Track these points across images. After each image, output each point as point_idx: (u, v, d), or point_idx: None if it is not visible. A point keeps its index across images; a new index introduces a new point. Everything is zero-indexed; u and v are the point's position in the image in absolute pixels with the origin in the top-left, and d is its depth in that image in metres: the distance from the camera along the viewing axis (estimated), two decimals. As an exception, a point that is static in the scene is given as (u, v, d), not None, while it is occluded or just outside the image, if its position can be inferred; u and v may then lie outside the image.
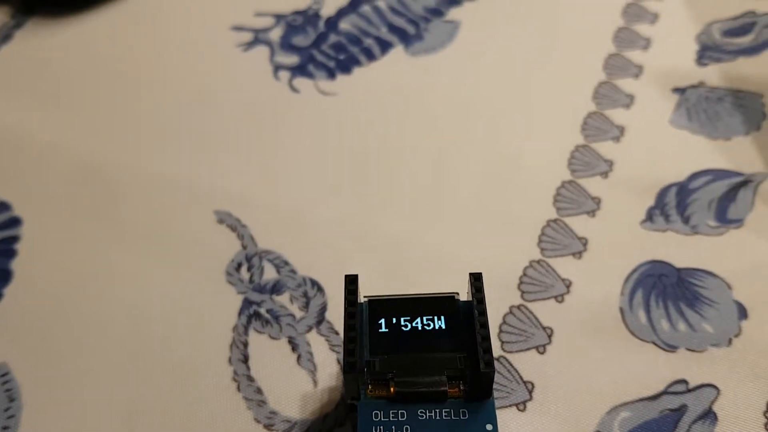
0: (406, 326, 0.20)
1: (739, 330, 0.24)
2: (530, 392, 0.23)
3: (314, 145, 0.31)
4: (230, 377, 0.24)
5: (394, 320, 0.20)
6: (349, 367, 0.19)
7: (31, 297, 0.27)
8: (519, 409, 0.23)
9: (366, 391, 0.19)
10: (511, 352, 0.24)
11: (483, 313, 0.19)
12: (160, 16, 0.37)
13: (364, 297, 0.21)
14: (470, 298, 0.21)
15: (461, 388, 0.19)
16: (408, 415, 0.19)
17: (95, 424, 0.23)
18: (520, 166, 0.29)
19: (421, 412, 0.19)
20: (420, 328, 0.20)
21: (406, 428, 0.19)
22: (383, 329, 0.20)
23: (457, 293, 0.21)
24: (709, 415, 0.23)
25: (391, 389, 0.19)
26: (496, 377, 0.23)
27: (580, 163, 0.29)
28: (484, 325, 0.19)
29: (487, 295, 0.20)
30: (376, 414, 0.19)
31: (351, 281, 0.20)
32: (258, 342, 0.25)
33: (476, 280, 0.20)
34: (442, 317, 0.20)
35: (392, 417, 0.19)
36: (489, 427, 0.19)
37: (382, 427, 0.19)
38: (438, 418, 0.19)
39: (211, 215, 0.28)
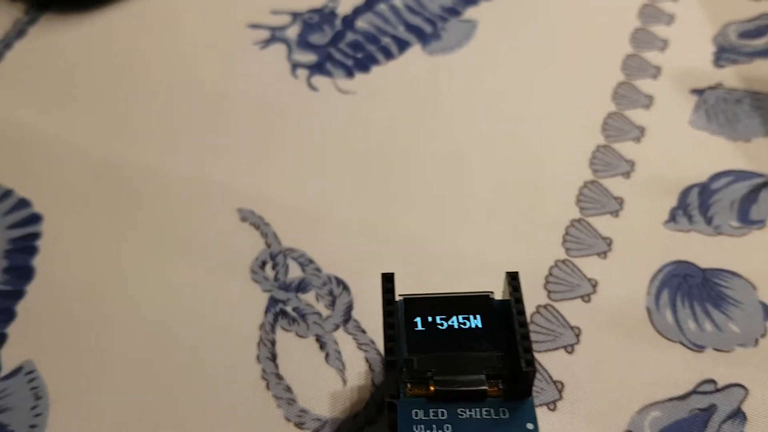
0: (442, 325, 0.20)
1: (765, 330, 0.25)
2: (560, 392, 0.23)
3: (334, 143, 0.31)
4: (259, 375, 0.24)
5: (430, 319, 0.20)
6: (390, 365, 0.19)
7: (54, 294, 0.26)
8: (549, 409, 0.23)
9: (405, 390, 0.19)
10: (539, 351, 0.24)
11: (521, 312, 0.19)
12: (176, 12, 0.36)
13: (399, 295, 0.21)
14: (504, 297, 0.21)
15: (500, 387, 0.19)
16: (448, 413, 0.19)
17: (122, 422, 0.23)
18: (542, 165, 0.29)
19: (461, 411, 0.19)
20: (456, 326, 0.20)
21: (447, 427, 0.19)
22: (420, 328, 0.20)
23: (492, 292, 0.21)
24: (738, 415, 0.23)
25: (431, 388, 0.19)
26: (526, 376, 0.23)
27: (601, 163, 0.29)
28: (524, 324, 0.19)
29: (513, 294, 0.20)
30: (416, 413, 0.19)
31: (388, 279, 0.20)
32: (285, 340, 0.25)
33: (513, 279, 0.20)
34: (478, 316, 0.20)
35: (432, 416, 0.19)
36: (530, 426, 0.19)
37: (422, 426, 0.19)
38: (479, 417, 0.19)
39: (234, 213, 0.28)
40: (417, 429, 0.19)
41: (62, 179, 0.30)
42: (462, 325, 0.20)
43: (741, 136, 0.30)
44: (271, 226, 0.28)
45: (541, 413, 0.23)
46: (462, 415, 0.19)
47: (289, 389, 0.24)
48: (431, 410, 0.19)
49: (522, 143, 0.30)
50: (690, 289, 0.26)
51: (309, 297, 0.26)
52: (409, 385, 0.19)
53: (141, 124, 0.32)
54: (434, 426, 0.19)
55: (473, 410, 0.19)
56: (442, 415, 0.19)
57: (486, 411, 0.19)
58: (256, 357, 0.25)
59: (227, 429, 0.23)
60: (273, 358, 0.25)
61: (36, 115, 0.32)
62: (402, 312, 0.20)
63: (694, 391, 0.23)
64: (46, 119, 0.32)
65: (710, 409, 0.23)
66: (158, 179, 0.29)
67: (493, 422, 0.19)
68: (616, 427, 0.23)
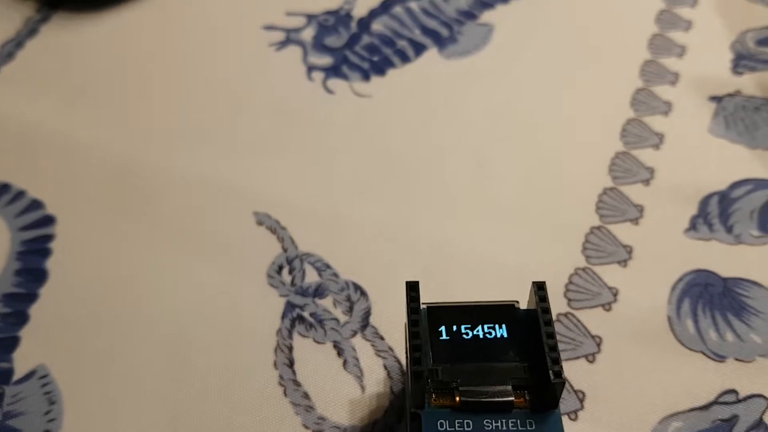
0: (467, 334, 0.20)
1: (787, 341, 0.24)
2: (581, 401, 0.23)
3: (351, 146, 0.30)
4: (276, 381, 0.24)
5: (455, 328, 0.20)
6: (416, 375, 0.18)
7: (68, 297, 0.26)
8: (571, 419, 0.23)
9: (430, 400, 0.19)
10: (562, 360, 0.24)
11: (549, 322, 0.19)
12: (191, 12, 0.36)
13: (422, 303, 0.21)
14: (529, 307, 0.20)
15: (526, 398, 0.19)
16: (474, 425, 0.19)
17: (138, 428, 0.23)
18: (560, 171, 0.29)
19: (487, 422, 0.19)
20: (481, 336, 0.20)
21: (473, 438, 0.18)
22: (444, 337, 0.20)
23: (518, 301, 0.21)
24: (760, 426, 0.23)
25: (456, 399, 0.19)
26: (547, 386, 0.23)
27: (621, 170, 0.29)
28: (552, 335, 0.19)
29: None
30: (441, 423, 0.19)
31: (412, 288, 0.20)
32: (303, 346, 0.25)
33: (540, 288, 0.20)
34: (504, 325, 0.20)
35: (458, 427, 0.19)
36: (557, 438, 0.18)
37: (448, 437, 0.18)
38: (505, 428, 0.19)
39: (250, 216, 0.28)
40: (443, 440, 0.18)
41: (75, 180, 0.29)
42: (487, 335, 0.20)
43: (760, 144, 0.30)
44: (288, 230, 0.28)
45: (563, 423, 0.23)
46: (488, 426, 0.19)
47: (307, 396, 0.24)
48: (457, 421, 0.19)
49: (540, 149, 0.30)
50: (711, 299, 0.25)
51: (326, 302, 0.26)
52: (434, 396, 0.19)
53: (155, 125, 0.31)
54: (460, 437, 0.18)
55: (499, 422, 0.19)
56: (468, 426, 0.19)
57: (513, 423, 0.19)
58: (273, 363, 0.24)
59: (245, 436, 0.23)
60: (290, 364, 0.24)
61: (48, 114, 0.32)
62: (425, 321, 0.20)
63: (715, 402, 0.23)
64: (59, 119, 0.32)
65: (732, 420, 0.23)
66: (173, 181, 0.29)
67: (520, 434, 0.18)
68: (638, 439, 0.22)
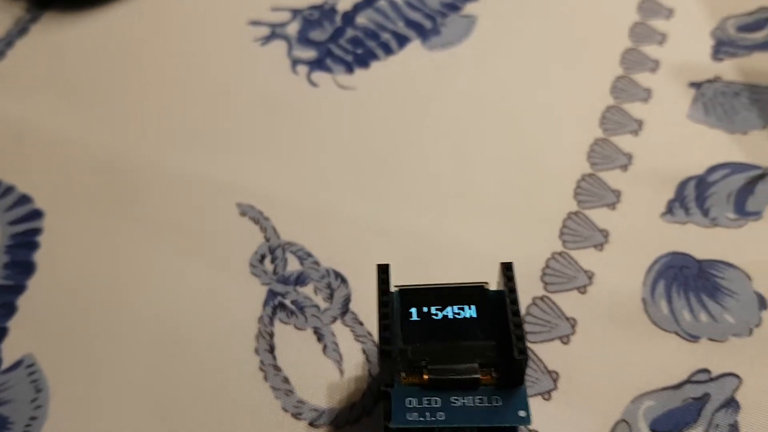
0: (437, 315, 0.20)
1: (759, 320, 0.25)
2: (555, 381, 0.24)
3: (334, 138, 0.31)
4: (257, 367, 0.24)
5: (425, 309, 0.20)
6: (385, 354, 0.19)
7: (54, 289, 0.27)
8: (544, 399, 0.23)
9: (399, 379, 0.20)
10: (535, 342, 0.25)
11: (515, 301, 0.20)
12: (177, 9, 0.37)
13: (395, 286, 0.21)
14: (499, 288, 0.21)
15: (493, 375, 0.19)
16: (442, 401, 0.19)
17: (122, 414, 0.24)
18: (540, 159, 0.30)
19: (454, 399, 0.19)
20: (451, 316, 0.20)
21: (440, 414, 0.19)
22: (414, 318, 0.20)
23: (487, 282, 0.21)
24: (732, 404, 0.23)
25: (425, 377, 0.19)
26: (521, 367, 0.24)
27: (599, 156, 0.29)
28: (517, 314, 0.19)
29: (510, 286, 0.20)
30: (410, 401, 0.19)
31: (383, 270, 0.20)
32: (284, 332, 0.25)
33: (507, 269, 0.20)
34: (473, 306, 0.20)
35: (426, 404, 0.19)
36: (522, 413, 0.19)
37: (416, 414, 0.19)
38: (472, 404, 0.19)
39: (234, 208, 0.28)
40: (411, 416, 0.19)
41: (63, 176, 0.30)
42: (456, 315, 0.20)
43: (739, 128, 0.30)
44: (271, 220, 0.28)
45: (536, 403, 0.23)
46: (455, 402, 0.19)
47: (287, 380, 0.24)
48: (425, 398, 0.19)
49: (520, 137, 0.30)
50: (686, 280, 0.26)
51: (307, 290, 0.26)
52: (403, 374, 0.20)
53: (141, 120, 0.32)
54: (428, 413, 0.19)
55: (466, 398, 0.19)
56: (436, 403, 0.19)
57: (479, 399, 0.19)
58: (255, 349, 0.25)
59: (226, 420, 0.23)
60: (271, 349, 0.25)
61: (37, 112, 0.33)
62: (397, 302, 0.21)
63: (688, 381, 0.23)
64: (48, 117, 0.32)
65: (704, 398, 0.23)
66: (158, 175, 0.30)
67: (486, 410, 0.19)
68: (610, 417, 0.23)
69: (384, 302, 0.20)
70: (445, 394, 0.19)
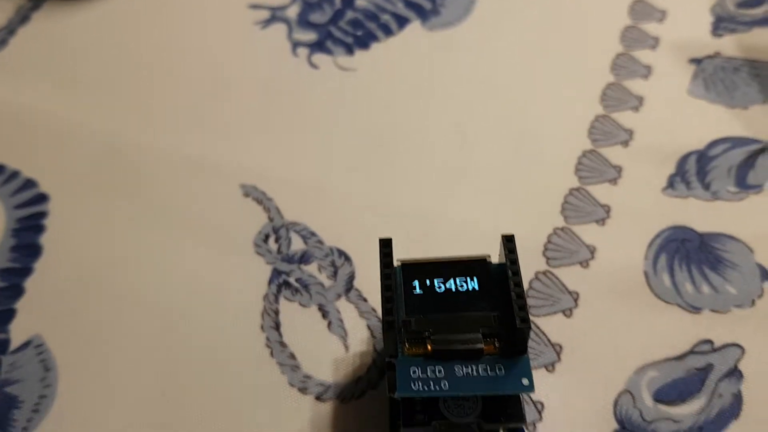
0: (440, 287, 0.20)
1: (761, 291, 0.25)
2: (558, 354, 0.24)
3: (335, 119, 0.31)
4: (263, 344, 0.25)
5: (428, 282, 0.21)
6: (387, 325, 0.19)
7: (61, 271, 0.27)
8: (548, 370, 0.24)
9: (403, 350, 0.20)
10: (538, 316, 0.25)
11: (517, 272, 0.20)
12: (177, -5, 0.37)
13: (397, 260, 0.21)
14: (501, 261, 0.21)
15: (496, 345, 0.20)
16: (445, 371, 0.19)
17: (130, 392, 0.24)
18: (541, 136, 0.30)
19: (458, 368, 0.19)
20: (453, 289, 0.20)
21: (444, 383, 0.19)
22: (418, 291, 0.20)
23: (489, 255, 0.21)
24: (735, 373, 0.23)
25: (428, 347, 0.19)
26: (525, 340, 0.24)
27: (600, 132, 0.30)
28: (519, 284, 0.20)
29: (513, 260, 0.20)
30: (414, 370, 0.19)
31: (385, 244, 0.21)
32: (289, 310, 0.25)
33: (509, 241, 0.21)
34: (475, 278, 0.21)
35: (430, 373, 0.19)
36: (525, 381, 0.19)
37: (420, 383, 0.19)
38: (475, 374, 0.19)
39: (237, 189, 0.29)
40: (415, 386, 0.19)
41: (67, 160, 0.30)
42: (459, 288, 0.20)
43: (739, 103, 0.30)
44: (274, 200, 0.28)
45: (540, 375, 0.23)
46: (459, 372, 0.19)
47: (293, 356, 0.24)
48: (429, 368, 0.19)
49: (522, 115, 0.30)
50: (688, 253, 0.26)
51: (311, 268, 0.26)
52: (407, 345, 0.20)
53: (144, 104, 0.32)
54: (431, 383, 0.19)
55: (470, 367, 0.19)
56: (440, 373, 0.19)
57: (483, 368, 0.19)
58: (261, 326, 0.25)
59: (233, 395, 0.23)
60: (277, 326, 0.25)
61: (41, 98, 0.33)
62: (400, 276, 0.21)
63: (691, 352, 0.24)
64: (51, 102, 0.32)
65: (707, 369, 0.23)
66: (162, 158, 0.30)
67: (489, 378, 0.19)
68: (613, 388, 0.23)
69: (386, 275, 0.20)
70: (448, 363, 0.19)
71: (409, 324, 0.20)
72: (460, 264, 0.21)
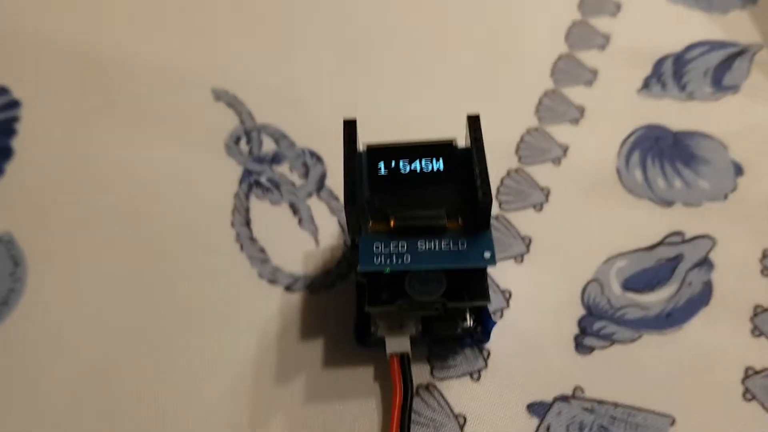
0: (405, 168, 0.20)
1: (734, 185, 0.25)
2: (527, 246, 0.24)
3: (307, 20, 0.30)
4: (233, 239, 0.25)
5: (393, 163, 0.20)
6: (350, 200, 0.19)
7: (32, 173, 0.27)
8: (516, 262, 0.23)
9: (367, 227, 0.20)
10: (508, 211, 0.25)
11: (481, 150, 0.20)
12: None
13: (363, 144, 0.21)
14: (468, 144, 0.21)
15: (459, 221, 0.20)
16: (408, 246, 0.19)
17: (100, 288, 0.24)
18: (517, 39, 0.29)
19: (421, 243, 0.19)
20: (419, 170, 0.20)
21: (407, 257, 0.19)
22: (383, 172, 0.20)
23: (455, 138, 0.21)
24: (705, 263, 0.23)
25: (391, 223, 0.19)
26: (494, 233, 0.24)
27: (576, 37, 0.29)
28: (483, 161, 0.19)
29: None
30: (377, 246, 0.19)
31: (350, 124, 0.20)
32: (259, 207, 0.25)
33: (474, 121, 0.20)
34: (441, 159, 0.20)
35: (393, 248, 0.19)
36: (487, 254, 0.19)
37: (383, 258, 0.19)
38: (438, 248, 0.19)
39: (208, 93, 0.28)
40: (377, 260, 0.19)
41: (38, 66, 0.30)
42: (425, 169, 0.20)
43: (718, 8, 0.30)
44: (246, 104, 0.28)
45: (508, 265, 0.23)
46: (422, 247, 0.19)
47: (263, 250, 0.24)
48: (392, 243, 0.19)
49: (497, 16, 0.30)
50: (661, 150, 0.26)
51: (283, 169, 0.26)
52: (371, 223, 0.20)
53: (113, 8, 0.31)
54: (394, 257, 0.19)
55: (433, 242, 0.19)
56: (402, 248, 0.19)
57: (445, 243, 0.19)
58: (231, 222, 0.25)
59: (204, 288, 0.23)
60: (247, 223, 0.25)
61: (10, 5, 0.32)
62: (366, 160, 0.21)
63: (661, 243, 0.24)
64: (20, 9, 0.32)
65: (677, 258, 0.23)
66: (133, 61, 0.29)
67: (452, 253, 0.19)
68: (581, 277, 0.23)
69: (349, 154, 0.20)
70: (412, 239, 0.19)
71: (372, 202, 0.20)
72: (426, 146, 0.21)
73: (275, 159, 0.27)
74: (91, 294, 0.24)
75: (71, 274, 0.24)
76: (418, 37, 0.30)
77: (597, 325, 0.22)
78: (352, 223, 0.19)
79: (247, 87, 0.28)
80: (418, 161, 0.20)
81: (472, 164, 0.20)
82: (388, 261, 0.19)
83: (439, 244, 0.19)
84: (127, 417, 0.21)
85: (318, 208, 0.25)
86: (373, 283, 0.20)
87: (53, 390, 0.22)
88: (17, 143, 0.28)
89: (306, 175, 0.26)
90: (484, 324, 0.21)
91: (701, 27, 0.29)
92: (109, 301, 0.23)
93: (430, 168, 0.20)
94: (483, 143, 0.20)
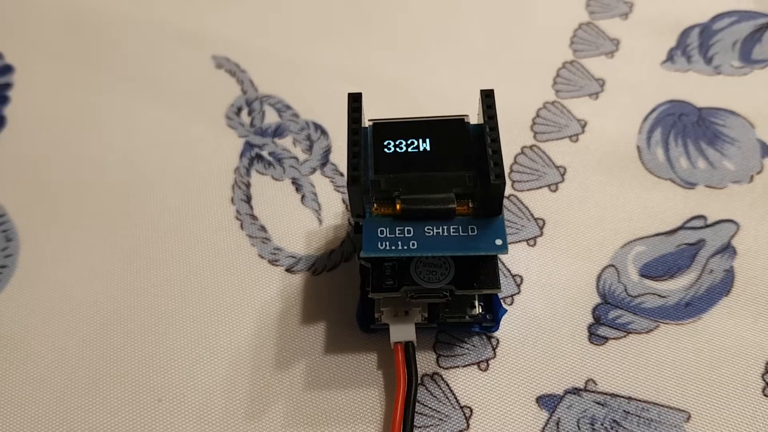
0: (412, 147, 0.19)
1: (761, 167, 0.23)
2: (541, 228, 0.23)
3: (316, -9, 0.29)
4: (233, 216, 0.23)
5: (401, 141, 0.19)
6: (353, 180, 0.18)
7: (24, 142, 0.26)
8: (529, 245, 0.22)
9: (371, 209, 0.19)
10: (522, 190, 0.23)
11: (494, 128, 0.18)
12: None
13: (369, 121, 0.20)
14: (481, 120, 0.19)
15: (470, 205, 0.18)
16: (415, 231, 0.18)
17: (95, 262, 0.23)
18: (535, 7, 0.28)
19: (428, 229, 0.18)
20: (428, 149, 0.19)
21: (413, 243, 0.18)
22: (389, 150, 0.19)
23: (467, 115, 0.20)
24: (728, 249, 0.22)
25: (397, 207, 0.18)
26: (506, 214, 0.23)
27: (598, 4, 0.28)
28: (496, 140, 0.18)
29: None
30: (382, 230, 0.18)
31: (355, 99, 0.19)
32: (261, 183, 0.24)
33: (487, 96, 0.19)
34: (451, 138, 0.19)
35: (398, 233, 0.18)
36: (498, 242, 0.18)
37: (387, 243, 0.18)
38: (446, 234, 0.18)
39: (209, 60, 0.27)
40: (382, 245, 0.18)
41: (33, 31, 0.29)
42: (434, 147, 0.19)
43: (749, -25, 0.28)
44: (248, 72, 0.27)
45: (520, 248, 0.22)
46: (429, 232, 0.18)
47: (264, 229, 0.23)
48: (398, 228, 0.18)
49: (514, -14, 0.29)
50: (684, 128, 0.24)
51: (286, 142, 0.25)
52: (375, 205, 0.19)
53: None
54: (400, 243, 0.18)
55: (441, 228, 0.18)
56: (409, 233, 0.18)
57: (454, 228, 0.18)
58: (231, 199, 0.24)
59: (202, 266, 0.23)
60: (248, 199, 0.24)
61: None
62: (371, 137, 0.19)
63: (682, 227, 0.22)
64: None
65: (698, 244, 0.22)
66: (131, 28, 0.28)
67: (461, 239, 0.18)
68: (597, 262, 0.22)
69: (354, 130, 0.19)
70: (419, 224, 0.18)
71: (378, 183, 0.19)
72: (436, 123, 0.20)
73: (278, 132, 0.25)
74: (85, 271, 0.23)
75: (64, 250, 0.23)
76: (428, 5, 0.28)
77: (612, 314, 0.21)
78: (356, 206, 0.18)
79: (250, 54, 0.27)
80: (428, 140, 0.19)
81: (485, 144, 0.18)
82: (394, 246, 0.18)
83: (448, 229, 0.18)
84: (122, 401, 0.20)
85: (322, 184, 0.24)
86: (378, 268, 0.19)
87: (44, 371, 0.21)
88: (10, 111, 0.27)
89: (310, 149, 0.25)
90: (494, 312, 0.20)
91: (730, -5, 0.28)
92: (102, 280, 0.23)
93: (439, 147, 0.19)
94: (497, 121, 0.19)
